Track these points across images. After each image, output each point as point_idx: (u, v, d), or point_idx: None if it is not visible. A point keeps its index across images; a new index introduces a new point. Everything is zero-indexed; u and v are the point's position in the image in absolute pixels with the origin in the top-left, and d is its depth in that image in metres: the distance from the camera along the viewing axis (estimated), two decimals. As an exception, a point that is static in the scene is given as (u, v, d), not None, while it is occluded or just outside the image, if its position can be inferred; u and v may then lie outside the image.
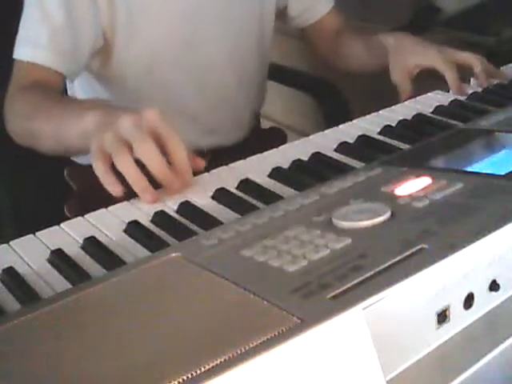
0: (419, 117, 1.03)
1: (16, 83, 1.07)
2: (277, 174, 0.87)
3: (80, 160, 1.24)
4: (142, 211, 0.81)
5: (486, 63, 1.14)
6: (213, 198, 0.83)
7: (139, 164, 0.80)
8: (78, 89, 1.24)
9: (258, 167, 0.89)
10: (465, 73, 1.14)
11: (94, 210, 0.82)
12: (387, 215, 0.62)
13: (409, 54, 1.15)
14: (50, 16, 1.06)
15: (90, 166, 1.24)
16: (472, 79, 1.15)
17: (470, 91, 1.11)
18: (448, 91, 1.12)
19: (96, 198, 0.80)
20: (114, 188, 0.80)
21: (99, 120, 0.85)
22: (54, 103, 1.00)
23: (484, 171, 0.75)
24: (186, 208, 0.81)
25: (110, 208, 0.82)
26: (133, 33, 1.12)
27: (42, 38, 1.06)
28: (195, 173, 0.86)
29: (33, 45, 1.07)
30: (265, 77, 1.34)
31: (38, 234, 0.78)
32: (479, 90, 1.12)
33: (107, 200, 0.83)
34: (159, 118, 0.81)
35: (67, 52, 1.08)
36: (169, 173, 0.80)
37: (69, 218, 0.81)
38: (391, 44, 1.18)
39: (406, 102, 1.10)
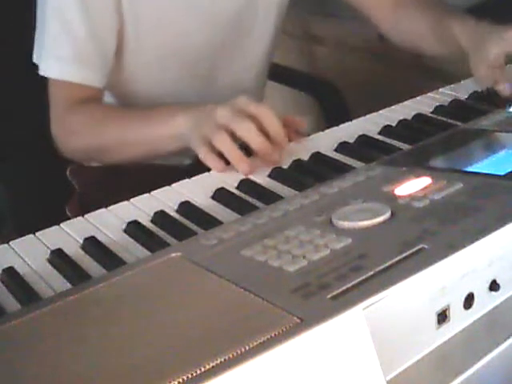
0: (419, 117, 1.03)
1: (60, 102, 1.08)
2: (277, 173, 0.87)
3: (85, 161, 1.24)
4: (142, 211, 0.81)
5: None
6: (213, 198, 0.83)
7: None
8: None
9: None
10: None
11: (96, 209, 0.82)
12: (387, 215, 0.62)
13: (486, 48, 1.04)
14: (73, 30, 1.05)
15: (93, 166, 1.24)
16: None
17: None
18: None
19: (98, 198, 0.80)
20: (215, 164, 0.88)
21: (193, 121, 0.93)
22: (125, 113, 1.05)
23: (484, 171, 0.75)
24: (186, 208, 0.81)
25: (110, 208, 0.82)
26: (139, 41, 1.11)
27: (68, 55, 1.06)
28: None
29: (61, 62, 1.06)
30: (266, 77, 1.34)
31: (37, 234, 0.78)
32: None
33: (109, 199, 0.84)
34: (250, 101, 0.89)
35: (95, 64, 1.08)
36: (268, 144, 0.87)
37: (69, 218, 0.82)
38: (466, 42, 1.07)
39: (405, 102, 1.09)
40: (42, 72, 1.08)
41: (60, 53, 1.06)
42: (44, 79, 1.09)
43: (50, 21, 1.06)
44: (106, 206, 0.83)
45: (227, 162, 0.89)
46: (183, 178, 0.88)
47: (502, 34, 1.02)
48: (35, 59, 1.10)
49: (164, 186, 0.87)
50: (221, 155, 0.89)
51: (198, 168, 0.90)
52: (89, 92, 1.08)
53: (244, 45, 1.21)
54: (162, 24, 1.12)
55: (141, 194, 0.85)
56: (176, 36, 1.13)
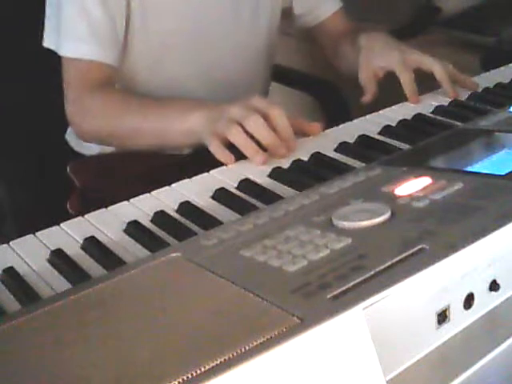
0: (419, 117, 1.03)
1: (77, 82, 1.10)
2: (277, 174, 0.87)
3: (86, 151, 1.25)
4: (142, 211, 0.81)
5: (452, 70, 1.11)
6: (213, 198, 0.83)
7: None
8: None
9: (257, 167, 0.89)
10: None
11: (97, 204, 0.82)
12: (387, 215, 0.62)
13: (375, 56, 1.15)
14: (89, 11, 1.09)
15: (94, 157, 1.25)
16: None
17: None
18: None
19: (98, 193, 0.81)
20: (226, 158, 0.91)
21: (206, 118, 0.96)
22: (143, 103, 1.08)
23: (484, 171, 0.75)
24: (186, 208, 0.81)
25: (110, 208, 0.82)
26: (143, 25, 1.14)
27: (85, 33, 1.09)
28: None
29: (78, 41, 1.10)
30: (270, 75, 1.35)
31: (38, 234, 0.78)
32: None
33: (110, 195, 0.84)
34: (262, 100, 0.94)
35: (111, 43, 1.11)
36: (275, 138, 0.91)
37: (70, 215, 0.81)
38: (362, 45, 1.18)
39: (406, 102, 1.10)
40: (60, 52, 1.11)
41: (77, 32, 1.10)
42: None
43: (66, 4, 1.10)
44: (107, 201, 0.83)
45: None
46: (182, 167, 0.88)
47: (389, 53, 1.12)
48: (47, 44, 1.14)
49: (163, 176, 0.88)
50: (231, 149, 0.91)
51: (196, 157, 0.91)
52: (105, 72, 1.11)
53: (248, 29, 1.23)
54: (166, 6, 1.14)
55: (140, 186, 0.85)
56: (179, 17, 1.16)
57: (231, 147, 0.92)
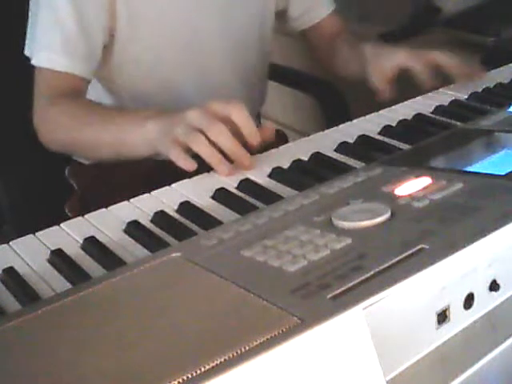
0: (419, 117, 1.03)
1: (44, 93, 1.09)
2: (277, 174, 0.87)
3: (83, 159, 1.25)
4: (142, 211, 0.81)
5: (458, 60, 1.12)
6: (213, 198, 0.83)
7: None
8: None
9: (258, 167, 0.89)
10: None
11: (96, 208, 0.82)
12: (387, 215, 0.62)
13: (384, 59, 1.16)
14: (63, 23, 1.07)
15: (92, 165, 1.25)
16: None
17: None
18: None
19: (97, 196, 0.80)
20: (187, 165, 0.87)
21: (161, 126, 0.92)
22: (104, 113, 1.05)
23: (484, 171, 0.75)
24: (186, 208, 0.81)
25: (110, 208, 0.82)
26: (133, 35, 1.13)
27: (57, 45, 1.08)
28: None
29: (50, 51, 1.08)
30: (266, 76, 1.35)
31: (37, 234, 0.78)
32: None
33: (108, 197, 0.84)
34: (221, 103, 0.89)
35: (83, 56, 1.09)
36: (240, 147, 0.87)
37: (69, 218, 0.82)
38: (368, 52, 1.19)
39: (406, 102, 1.10)
40: (35, 62, 1.10)
41: (49, 43, 1.09)
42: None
43: (42, 13, 1.09)
44: (105, 205, 0.83)
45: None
46: (179, 172, 0.88)
47: (396, 52, 1.15)
48: (26, 51, 1.12)
49: (162, 178, 0.87)
50: (196, 157, 0.88)
51: (196, 157, 0.91)
52: (74, 82, 1.09)
53: (241, 30, 1.23)
54: (157, 16, 1.13)
55: (139, 190, 0.85)
56: (171, 26, 1.15)
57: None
